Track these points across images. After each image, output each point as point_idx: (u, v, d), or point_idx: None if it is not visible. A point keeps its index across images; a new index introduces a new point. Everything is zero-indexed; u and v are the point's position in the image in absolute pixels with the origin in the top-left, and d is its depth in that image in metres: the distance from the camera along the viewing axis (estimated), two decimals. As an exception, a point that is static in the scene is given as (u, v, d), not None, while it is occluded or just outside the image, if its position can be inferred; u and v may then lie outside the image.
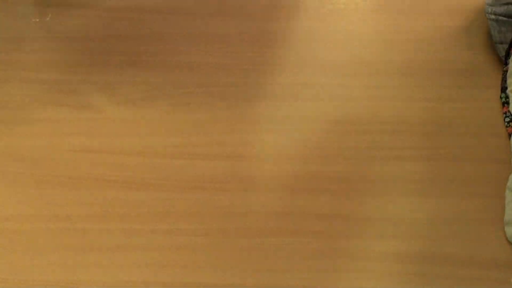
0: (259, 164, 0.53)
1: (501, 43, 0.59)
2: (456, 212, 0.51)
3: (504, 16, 0.59)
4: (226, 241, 0.50)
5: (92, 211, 0.50)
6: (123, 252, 0.48)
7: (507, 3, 0.58)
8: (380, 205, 0.51)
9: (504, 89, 0.57)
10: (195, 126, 0.55)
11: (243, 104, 0.57)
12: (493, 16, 0.59)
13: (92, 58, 0.60)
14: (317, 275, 0.48)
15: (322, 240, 0.49)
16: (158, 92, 0.57)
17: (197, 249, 0.49)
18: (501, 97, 0.57)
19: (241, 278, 0.48)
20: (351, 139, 0.55)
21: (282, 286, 0.48)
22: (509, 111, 0.55)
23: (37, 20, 0.63)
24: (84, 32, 0.62)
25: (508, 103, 0.56)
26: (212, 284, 0.48)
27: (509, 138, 0.54)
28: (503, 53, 0.59)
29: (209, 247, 0.49)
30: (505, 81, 0.57)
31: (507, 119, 0.55)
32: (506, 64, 0.58)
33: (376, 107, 0.57)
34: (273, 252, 0.49)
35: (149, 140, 0.55)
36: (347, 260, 0.49)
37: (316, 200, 0.51)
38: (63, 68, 0.59)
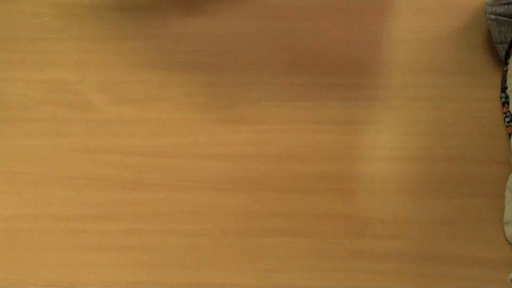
0: (259, 165, 0.53)
1: (501, 43, 0.59)
2: (456, 212, 0.51)
3: (504, 16, 0.59)
4: (226, 241, 0.50)
5: (92, 211, 0.50)
6: (123, 252, 0.48)
7: (507, 3, 0.58)
8: (380, 205, 0.51)
9: (504, 89, 0.57)
10: (195, 126, 0.55)
11: (244, 104, 0.57)
12: (493, 16, 0.59)
13: (92, 58, 0.60)
14: (317, 275, 0.48)
15: (321, 240, 0.49)
16: (158, 92, 0.57)
17: (197, 249, 0.49)
18: (501, 97, 0.57)
19: (241, 278, 0.48)
20: (351, 139, 0.55)
21: (281, 286, 0.48)
22: (509, 111, 0.55)
23: (37, 21, 0.63)
24: (84, 32, 0.62)
25: (508, 103, 0.56)
26: (212, 284, 0.48)
27: (509, 138, 0.54)
28: (503, 53, 0.58)
29: (209, 247, 0.49)
30: (505, 81, 0.57)
31: (507, 119, 0.55)
32: (506, 64, 0.58)
33: (375, 107, 0.57)
34: (273, 252, 0.49)
35: (149, 140, 0.54)
36: (347, 260, 0.49)
37: (316, 200, 0.51)
38: (63, 68, 0.59)
